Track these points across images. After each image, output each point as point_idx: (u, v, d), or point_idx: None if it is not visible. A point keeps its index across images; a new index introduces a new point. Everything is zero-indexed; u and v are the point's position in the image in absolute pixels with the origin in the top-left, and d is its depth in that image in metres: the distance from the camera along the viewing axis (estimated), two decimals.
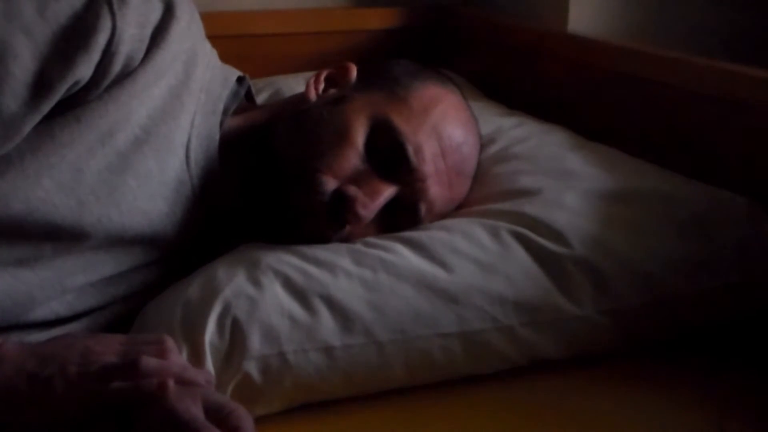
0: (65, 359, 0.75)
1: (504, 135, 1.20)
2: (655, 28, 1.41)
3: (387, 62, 1.10)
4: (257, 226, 0.99)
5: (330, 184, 0.95)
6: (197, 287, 0.90)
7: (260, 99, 1.28)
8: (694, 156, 1.15)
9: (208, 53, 1.00)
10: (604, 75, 1.30)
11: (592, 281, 0.95)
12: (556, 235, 0.97)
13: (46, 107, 0.84)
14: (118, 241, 0.92)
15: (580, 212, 1.01)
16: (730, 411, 0.88)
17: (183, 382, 0.75)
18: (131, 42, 0.87)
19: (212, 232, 1.00)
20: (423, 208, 1.00)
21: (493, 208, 1.03)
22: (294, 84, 1.37)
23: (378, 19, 1.67)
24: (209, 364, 0.85)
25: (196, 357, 0.84)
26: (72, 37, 0.84)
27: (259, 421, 0.81)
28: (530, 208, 1.01)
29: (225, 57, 1.05)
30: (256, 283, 0.90)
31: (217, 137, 0.98)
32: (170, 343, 0.79)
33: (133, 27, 0.87)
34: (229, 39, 1.21)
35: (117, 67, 0.87)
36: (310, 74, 1.08)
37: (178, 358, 0.79)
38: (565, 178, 1.07)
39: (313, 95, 1.04)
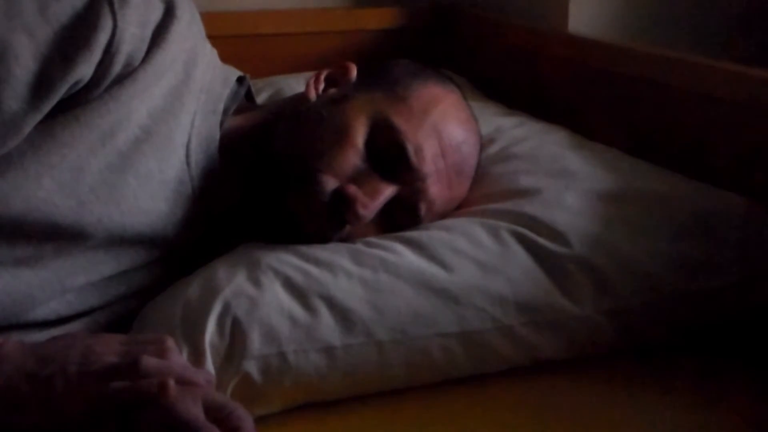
0: (65, 359, 0.75)
1: (504, 135, 1.20)
2: (655, 28, 1.41)
3: (387, 62, 1.10)
4: (257, 226, 0.99)
5: (330, 183, 0.95)
6: (197, 287, 0.90)
7: (260, 99, 1.28)
8: (694, 156, 1.15)
9: (208, 53, 1.00)
10: (604, 75, 1.30)
11: (593, 281, 0.95)
12: (556, 235, 0.97)
13: (47, 107, 0.84)
14: (118, 240, 0.92)
15: (580, 212, 1.01)
16: (729, 411, 0.88)
17: (183, 382, 0.75)
18: (132, 41, 0.87)
19: (212, 232, 1.00)
20: (423, 208, 1.00)
21: (493, 208, 1.03)
22: (294, 84, 1.37)
23: (378, 19, 1.67)
24: (209, 363, 0.85)
25: (196, 357, 0.84)
26: (73, 37, 0.84)
27: (259, 421, 0.81)
28: (530, 208, 1.01)
29: (225, 57, 1.05)
30: (257, 282, 0.90)
31: (218, 137, 0.98)
32: (170, 342, 0.79)
33: (133, 26, 0.87)
34: (229, 39, 1.21)
35: (118, 66, 0.87)
36: (310, 74, 1.08)
37: (179, 358, 0.79)
38: (565, 178, 1.07)
39: (313, 95, 1.04)
